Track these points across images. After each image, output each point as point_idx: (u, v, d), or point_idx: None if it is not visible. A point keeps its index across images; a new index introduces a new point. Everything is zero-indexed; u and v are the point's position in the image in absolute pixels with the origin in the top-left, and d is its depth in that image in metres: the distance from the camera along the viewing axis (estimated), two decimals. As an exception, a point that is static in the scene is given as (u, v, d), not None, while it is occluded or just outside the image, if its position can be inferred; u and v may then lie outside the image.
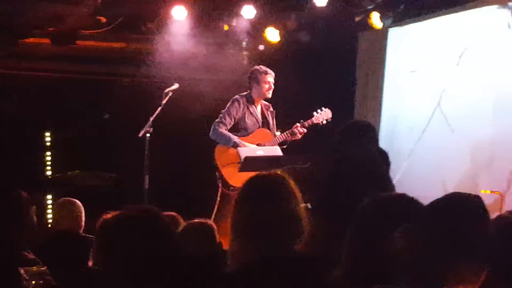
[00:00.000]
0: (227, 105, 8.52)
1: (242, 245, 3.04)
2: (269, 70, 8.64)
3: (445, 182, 9.51)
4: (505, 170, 8.80)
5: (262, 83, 8.52)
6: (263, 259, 2.94)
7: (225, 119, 8.42)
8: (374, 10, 10.33)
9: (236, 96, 8.61)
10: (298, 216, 3.05)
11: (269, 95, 8.57)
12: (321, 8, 10.09)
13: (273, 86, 8.55)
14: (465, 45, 9.61)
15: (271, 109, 8.78)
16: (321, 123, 8.66)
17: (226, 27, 10.82)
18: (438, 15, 10.05)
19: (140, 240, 2.72)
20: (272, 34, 10.89)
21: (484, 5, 9.47)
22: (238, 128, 8.46)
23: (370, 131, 5.57)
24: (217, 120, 8.47)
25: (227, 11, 10.60)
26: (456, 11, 9.81)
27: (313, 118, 8.63)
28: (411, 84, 10.27)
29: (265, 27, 10.86)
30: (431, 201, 2.52)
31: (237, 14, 10.52)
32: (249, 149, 8.21)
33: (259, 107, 8.64)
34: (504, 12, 9.22)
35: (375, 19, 10.36)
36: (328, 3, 9.99)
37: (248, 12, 10.42)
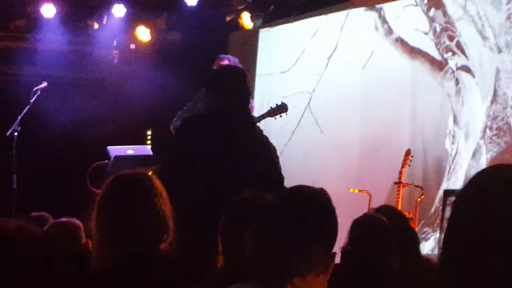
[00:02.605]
0: None
1: (105, 245, 2.97)
2: None
3: (316, 182, 9.61)
4: (372, 169, 9.01)
5: None
6: (126, 259, 2.89)
7: None
8: (244, 10, 10.38)
9: None
10: (163, 215, 2.99)
11: None
12: (192, 7, 10.06)
13: None
14: (334, 46, 9.78)
15: None
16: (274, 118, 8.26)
17: (96, 26, 10.65)
18: (308, 17, 10.19)
19: None
20: (143, 33, 10.79)
21: (352, 7, 9.66)
22: None
23: None
24: None
25: (97, 9, 10.43)
26: (326, 13, 9.96)
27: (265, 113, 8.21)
28: (282, 85, 10.36)
29: (136, 26, 10.74)
30: (274, 196, 2.55)
31: (108, 13, 10.37)
32: (119, 148, 8.07)
33: None
34: (372, 14, 9.44)
35: (246, 19, 10.41)
36: (199, 3, 9.98)
37: (119, 10, 10.30)
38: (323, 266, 2.33)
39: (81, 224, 4.89)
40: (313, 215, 2.34)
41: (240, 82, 4.71)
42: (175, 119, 8.02)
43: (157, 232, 2.98)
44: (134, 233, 2.93)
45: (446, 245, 1.64)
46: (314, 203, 2.37)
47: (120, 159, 7.71)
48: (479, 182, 1.64)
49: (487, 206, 1.58)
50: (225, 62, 8.11)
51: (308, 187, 2.47)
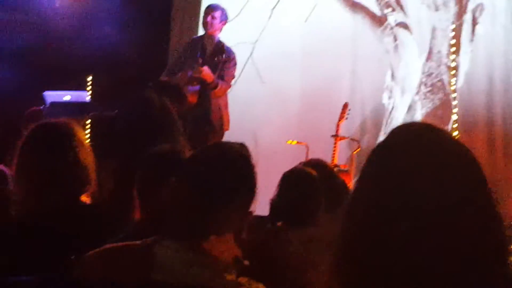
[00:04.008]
0: None
1: (23, 192, 2.96)
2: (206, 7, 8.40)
3: (256, 133, 9.74)
4: (311, 121, 9.12)
5: None
6: (44, 207, 2.89)
7: None
8: (189, -40, 10.31)
9: None
10: (84, 165, 2.97)
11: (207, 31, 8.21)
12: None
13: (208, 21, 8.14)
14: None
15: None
16: None
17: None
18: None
19: None
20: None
21: (297, -41, 9.69)
22: None
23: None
24: None
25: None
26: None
27: None
28: (225, 34, 10.35)
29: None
30: (193, 152, 2.56)
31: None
32: (56, 93, 7.96)
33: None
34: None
35: (190, -32, 10.36)
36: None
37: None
38: (240, 224, 2.34)
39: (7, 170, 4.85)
40: (230, 172, 2.31)
41: None
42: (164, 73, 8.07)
43: (78, 182, 2.95)
44: (53, 182, 2.90)
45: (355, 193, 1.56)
46: (232, 160, 2.34)
47: (56, 105, 7.58)
48: (402, 135, 1.57)
49: (406, 157, 1.50)
50: (217, 12, 8.10)
51: (227, 143, 2.48)
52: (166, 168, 2.74)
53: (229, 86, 8.10)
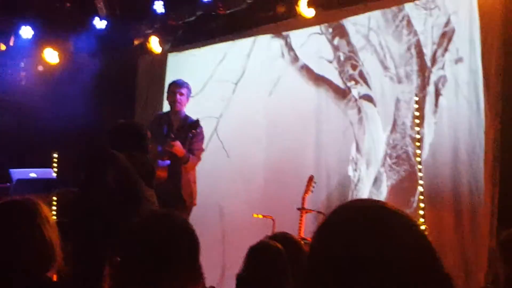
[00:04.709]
0: None
1: None
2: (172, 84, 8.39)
3: (221, 206, 9.70)
4: (276, 194, 9.09)
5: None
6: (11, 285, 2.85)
7: None
8: (153, 35, 10.40)
9: None
10: (50, 242, 2.96)
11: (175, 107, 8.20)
12: (101, 30, 10.05)
13: (177, 98, 8.16)
14: (242, 72, 9.88)
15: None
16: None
17: (3, 47, 10.51)
18: (216, 42, 10.26)
19: None
20: (51, 55, 10.68)
21: (259, 34, 9.78)
22: None
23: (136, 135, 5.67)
24: None
25: (4, 30, 10.31)
26: (233, 39, 10.06)
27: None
28: (190, 109, 10.38)
29: (44, 47, 10.64)
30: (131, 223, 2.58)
31: (15, 34, 10.26)
32: (22, 171, 7.96)
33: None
34: (279, 41, 9.57)
35: (154, 43, 10.43)
36: (107, 26, 9.96)
37: (26, 32, 10.20)
38: None
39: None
40: (162, 242, 2.38)
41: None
42: None
43: (43, 259, 2.93)
44: (18, 259, 2.88)
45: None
46: (164, 228, 2.41)
47: (22, 182, 7.61)
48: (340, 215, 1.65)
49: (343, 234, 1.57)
50: (185, 89, 8.10)
51: (156, 211, 2.55)
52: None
53: (199, 159, 8.09)
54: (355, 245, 1.52)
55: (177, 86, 8.23)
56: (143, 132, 5.87)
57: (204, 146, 8.32)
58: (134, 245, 2.38)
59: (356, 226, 1.57)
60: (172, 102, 8.21)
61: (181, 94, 8.15)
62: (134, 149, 5.51)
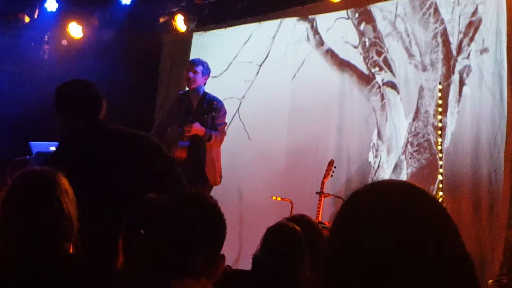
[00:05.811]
0: None
1: (4, 242, 2.91)
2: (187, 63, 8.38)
3: (241, 187, 9.70)
4: (296, 178, 9.09)
5: None
6: (26, 258, 2.85)
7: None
8: (178, 13, 10.38)
9: None
10: (68, 214, 2.95)
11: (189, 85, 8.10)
12: (126, 6, 10.04)
13: (190, 76, 8.04)
14: (266, 54, 9.85)
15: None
16: None
17: (27, 19, 10.52)
18: (241, 23, 10.23)
19: None
20: (75, 30, 10.67)
21: (286, 17, 9.75)
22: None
23: None
24: None
25: (29, 2, 10.31)
26: (259, 21, 10.03)
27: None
28: (212, 90, 10.38)
29: (68, 22, 10.63)
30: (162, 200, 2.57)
31: (40, 7, 10.26)
32: (42, 144, 7.95)
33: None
34: (305, 24, 9.54)
35: (180, 22, 10.41)
36: (133, 1, 9.94)
37: (51, 5, 10.19)
38: (206, 270, 2.37)
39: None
40: (196, 221, 2.39)
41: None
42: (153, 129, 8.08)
43: (61, 231, 2.93)
44: (37, 230, 2.87)
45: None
46: (198, 209, 2.42)
47: (41, 155, 7.60)
48: (356, 197, 1.60)
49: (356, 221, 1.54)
50: (199, 67, 8.06)
51: (188, 191, 2.53)
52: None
53: (224, 133, 8.05)
54: (386, 227, 1.50)
55: (190, 64, 8.21)
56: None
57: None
58: (165, 222, 2.39)
59: (385, 207, 1.53)
60: (186, 80, 8.18)
61: (195, 72, 8.06)
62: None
